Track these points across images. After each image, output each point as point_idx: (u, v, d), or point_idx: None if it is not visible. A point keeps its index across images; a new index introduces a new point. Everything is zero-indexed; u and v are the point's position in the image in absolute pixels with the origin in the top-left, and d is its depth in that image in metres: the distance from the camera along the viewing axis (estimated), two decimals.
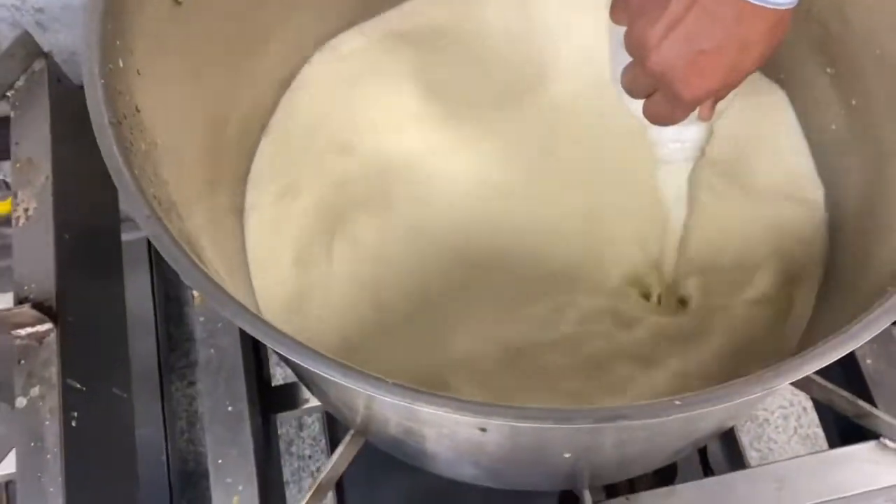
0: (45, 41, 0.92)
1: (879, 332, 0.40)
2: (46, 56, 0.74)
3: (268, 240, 0.63)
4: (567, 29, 0.69)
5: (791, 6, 0.42)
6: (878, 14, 0.56)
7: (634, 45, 0.47)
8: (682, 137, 0.58)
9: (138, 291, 0.93)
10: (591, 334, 0.58)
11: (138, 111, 0.47)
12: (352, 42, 0.70)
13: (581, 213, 0.63)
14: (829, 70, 0.62)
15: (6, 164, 1.03)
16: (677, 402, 0.38)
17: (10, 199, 0.83)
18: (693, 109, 0.50)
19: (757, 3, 0.41)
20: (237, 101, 0.62)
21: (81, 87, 0.48)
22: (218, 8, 0.56)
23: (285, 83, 0.69)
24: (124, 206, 0.43)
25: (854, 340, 0.40)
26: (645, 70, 0.47)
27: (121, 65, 0.47)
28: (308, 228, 0.63)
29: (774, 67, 0.67)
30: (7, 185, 0.84)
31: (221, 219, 0.59)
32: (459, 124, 0.66)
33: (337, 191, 0.65)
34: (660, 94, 0.48)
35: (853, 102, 0.60)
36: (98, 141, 0.43)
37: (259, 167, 0.65)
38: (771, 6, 0.41)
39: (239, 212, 0.64)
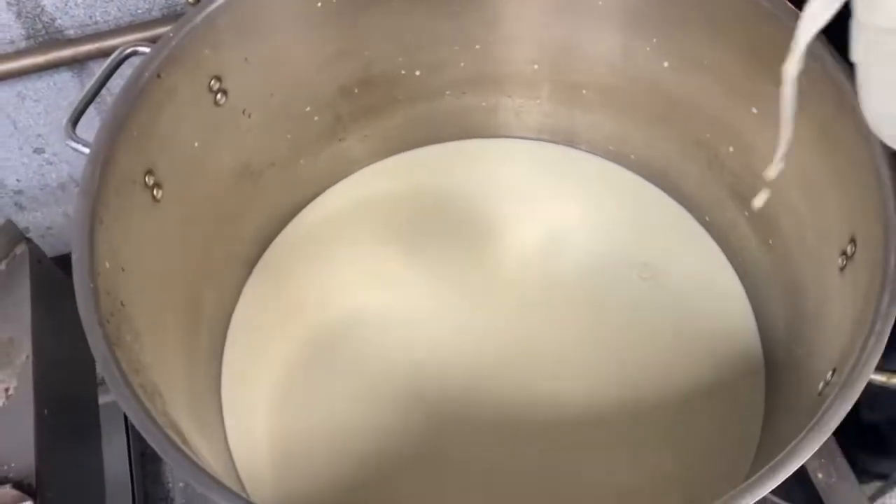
0: (22, 219, 0.97)
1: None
2: (28, 240, 0.76)
3: (242, 406, 0.66)
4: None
5: None
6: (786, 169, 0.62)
7: None
8: None
9: (115, 451, 0.94)
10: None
11: (123, 306, 0.51)
12: (318, 212, 0.76)
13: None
14: (745, 213, 0.68)
15: None
16: None
17: None
18: None
19: None
20: (212, 277, 0.66)
21: (59, 264, 0.49)
22: (192, 200, 0.61)
23: (258, 254, 0.74)
24: (113, 394, 0.46)
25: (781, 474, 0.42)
26: None
27: (107, 266, 0.50)
28: (280, 385, 0.67)
29: (699, 210, 0.74)
30: None
31: (202, 392, 0.62)
32: (428, 283, 0.72)
33: (306, 348, 0.69)
34: None
35: (770, 242, 0.66)
36: (90, 343, 0.45)
37: (233, 338, 0.69)
38: None
39: (217, 379, 0.67)
